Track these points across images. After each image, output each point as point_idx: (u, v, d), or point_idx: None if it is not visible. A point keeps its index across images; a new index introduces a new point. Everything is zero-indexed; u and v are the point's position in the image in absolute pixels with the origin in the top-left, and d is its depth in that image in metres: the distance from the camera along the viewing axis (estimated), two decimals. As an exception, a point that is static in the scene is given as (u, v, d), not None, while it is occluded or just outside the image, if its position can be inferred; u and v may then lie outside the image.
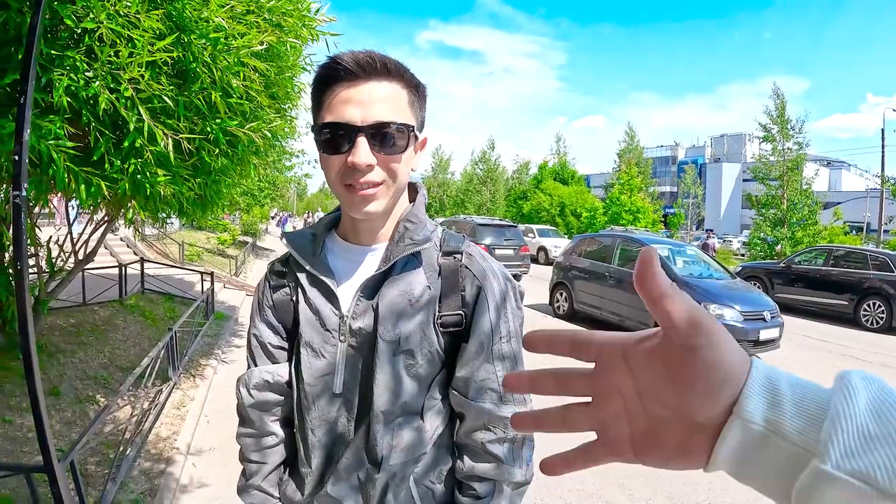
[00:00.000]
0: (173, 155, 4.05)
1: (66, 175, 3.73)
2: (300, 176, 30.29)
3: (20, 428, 5.42)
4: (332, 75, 1.33)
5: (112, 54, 3.72)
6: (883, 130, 35.68)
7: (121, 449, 4.89)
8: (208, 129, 4.43)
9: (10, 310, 6.02)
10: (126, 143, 3.94)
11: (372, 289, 1.47)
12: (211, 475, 5.18)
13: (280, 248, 32.84)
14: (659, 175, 73.07)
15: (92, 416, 5.88)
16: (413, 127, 1.37)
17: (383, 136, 1.32)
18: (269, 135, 5.25)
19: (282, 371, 1.60)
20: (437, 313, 1.46)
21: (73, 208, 8.67)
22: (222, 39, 4.14)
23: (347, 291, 1.50)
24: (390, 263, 1.44)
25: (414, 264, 1.47)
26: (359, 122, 1.30)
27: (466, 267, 1.48)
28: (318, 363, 1.50)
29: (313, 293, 1.51)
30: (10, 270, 6.00)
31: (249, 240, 30.48)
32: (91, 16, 3.64)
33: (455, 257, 1.49)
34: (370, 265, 1.50)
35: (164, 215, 6.01)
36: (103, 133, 3.88)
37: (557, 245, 27.63)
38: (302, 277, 1.54)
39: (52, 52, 3.63)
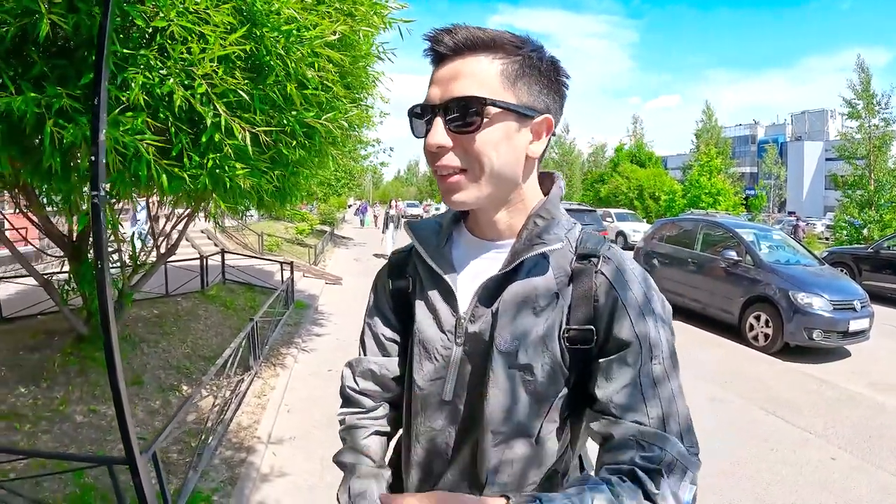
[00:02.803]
0: (251, 148, 4.08)
1: (147, 169, 3.79)
2: (376, 164, 30.52)
3: (104, 417, 5.61)
4: (431, 58, 1.26)
5: (184, 51, 3.77)
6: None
7: (202, 438, 4.99)
8: (285, 121, 4.47)
9: (96, 303, 6.21)
10: (204, 139, 3.99)
11: (492, 290, 1.32)
12: (291, 464, 5.22)
13: (357, 236, 33.15)
14: (738, 155, 70.65)
15: (174, 405, 6.06)
16: (491, 101, 1.17)
17: (456, 114, 1.19)
18: (345, 125, 5.26)
19: (390, 365, 1.55)
20: (564, 325, 1.27)
21: (142, 206, 8.94)
22: (294, 31, 4.15)
23: (468, 290, 1.36)
24: (514, 264, 1.28)
25: (542, 267, 1.30)
26: (436, 101, 1.22)
27: (602, 273, 1.27)
28: (430, 365, 1.40)
29: (432, 289, 1.41)
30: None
31: (327, 229, 30.72)
32: (161, 14, 3.68)
33: (591, 261, 1.29)
34: (495, 263, 1.34)
35: (244, 207, 6.09)
36: (181, 129, 3.94)
37: (636, 229, 27.26)
38: (422, 270, 1.45)
39: (126, 51, 3.69)
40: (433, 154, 1.23)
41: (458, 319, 1.35)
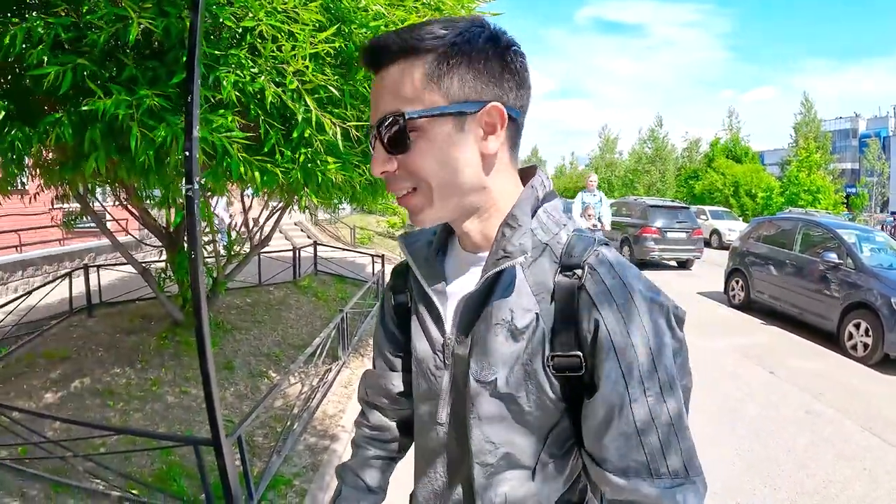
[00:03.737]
0: (342, 143, 4.15)
1: (239, 165, 3.92)
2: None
3: (195, 398, 5.88)
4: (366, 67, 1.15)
5: (275, 49, 3.88)
6: None
7: (287, 423, 5.13)
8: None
9: (190, 290, 6.47)
10: (295, 134, 4.09)
11: (471, 310, 1.19)
12: (374, 456, 5.30)
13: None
14: (838, 150, 66.59)
15: (263, 391, 6.27)
16: (410, 115, 1.05)
17: (387, 135, 1.08)
18: None
19: (396, 380, 1.49)
20: (547, 351, 1.11)
21: (216, 200, 9.17)
22: (382, 27, 4.22)
23: (453, 309, 1.24)
24: (482, 283, 1.14)
25: (516, 284, 1.14)
26: (372, 123, 1.12)
27: (585, 290, 1.08)
28: (425, 385, 1.31)
29: (423, 306, 1.31)
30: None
31: (419, 223, 30.70)
32: (250, 15, 3.81)
33: (575, 274, 1.10)
34: (475, 278, 1.19)
35: (337, 201, 6.21)
36: (272, 125, 4.05)
37: (731, 228, 26.15)
38: (415, 286, 1.34)
39: (216, 51, 3.84)
40: (383, 178, 1.15)
41: (445, 340, 1.24)
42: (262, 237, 7.87)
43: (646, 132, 59.06)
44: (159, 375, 6.20)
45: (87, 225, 10.94)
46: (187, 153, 2.94)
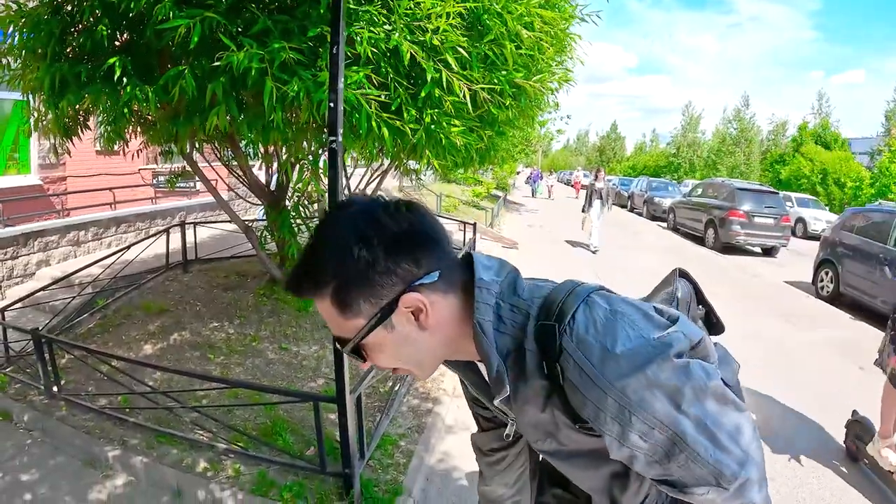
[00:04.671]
0: (470, 105, 4.11)
1: (371, 119, 3.89)
2: (553, 131, 29.78)
3: (295, 356, 5.91)
4: None
5: (412, 6, 3.83)
6: None
7: (391, 386, 5.17)
8: (495, 80, 4.47)
9: (291, 249, 6.51)
10: (423, 93, 4.06)
11: (508, 407, 1.30)
12: (474, 421, 5.24)
13: (528, 203, 32.76)
14: None
15: None
16: (352, 341, 1.16)
17: (347, 350, 1.20)
18: (553, 86, 5.24)
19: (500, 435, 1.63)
20: (569, 419, 1.19)
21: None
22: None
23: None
24: (497, 400, 1.24)
25: (521, 394, 1.21)
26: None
27: (568, 389, 1.13)
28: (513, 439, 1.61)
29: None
30: (294, 214, 6.51)
31: (500, 194, 30.43)
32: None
33: (555, 369, 1.13)
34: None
35: (454, 164, 6.14)
36: (401, 83, 4.01)
37: (818, 217, 25.08)
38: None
39: (350, 5, 3.81)
40: None
41: (509, 422, 1.45)
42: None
43: (731, 112, 57.96)
44: (258, 331, 6.26)
45: (182, 185, 11.19)
46: (332, 104, 2.92)
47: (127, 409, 4.64)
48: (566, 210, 29.25)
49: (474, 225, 12.62)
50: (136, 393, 4.70)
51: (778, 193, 19.99)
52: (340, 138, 2.98)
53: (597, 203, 15.99)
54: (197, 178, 7.14)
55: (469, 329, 1.19)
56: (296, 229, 6.73)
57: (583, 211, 16.46)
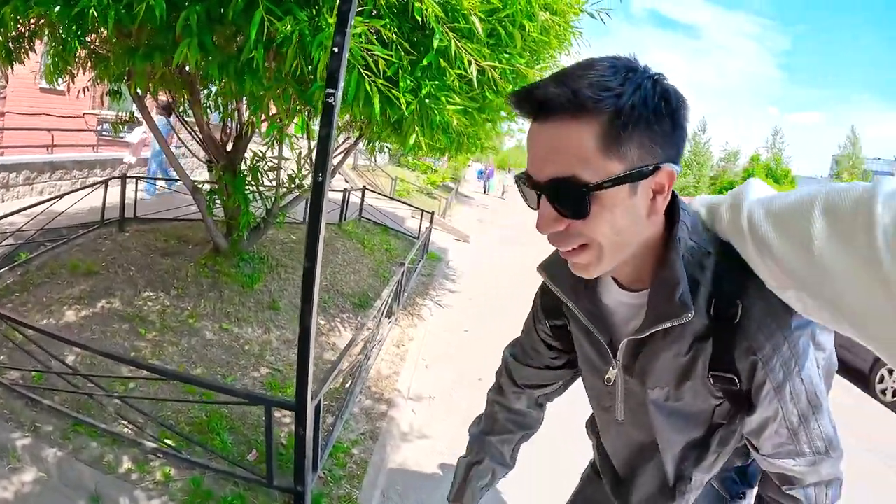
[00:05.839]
0: (476, 82, 3.68)
1: (364, 83, 3.38)
2: (515, 128, 29.88)
3: (237, 338, 5.37)
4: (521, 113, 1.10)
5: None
6: None
7: (343, 383, 4.76)
8: (498, 60, 4.02)
9: (244, 218, 5.94)
10: (425, 61, 3.61)
11: (636, 346, 1.32)
12: (431, 427, 4.94)
13: (478, 198, 33.09)
14: None
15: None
16: (596, 185, 1.01)
17: (561, 198, 1.05)
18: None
19: (548, 376, 1.70)
20: (707, 369, 1.25)
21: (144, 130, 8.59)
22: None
23: (617, 339, 1.36)
24: (647, 333, 1.24)
25: (680, 326, 1.21)
26: (537, 178, 1.08)
27: (742, 329, 1.17)
28: (599, 388, 1.51)
29: (582, 336, 1.46)
30: (250, 178, 5.95)
31: (452, 185, 30.54)
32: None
33: (729, 312, 1.18)
34: (634, 311, 1.31)
35: (441, 146, 5.72)
36: (402, 46, 3.54)
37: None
38: (572, 317, 1.46)
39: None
40: (547, 234, 1.12)
41: (611, 366, 1.41)
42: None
43: (689, 134, 60.85)
44: (197, 307, 5.65)
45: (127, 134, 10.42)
46: (336, 49, 2.37)
47: (42, 389, 3.95)
48: (516, 209, 29.25)
49: (432, 215, 12.40)
50: (53, 372, 3.99)
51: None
52: (340, 92, 2.45)
53: None
54: (146, 127, 6.46)
55: (650, 251, 1.19)
56: (250, 197, 6.14)
57: None
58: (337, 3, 2.68)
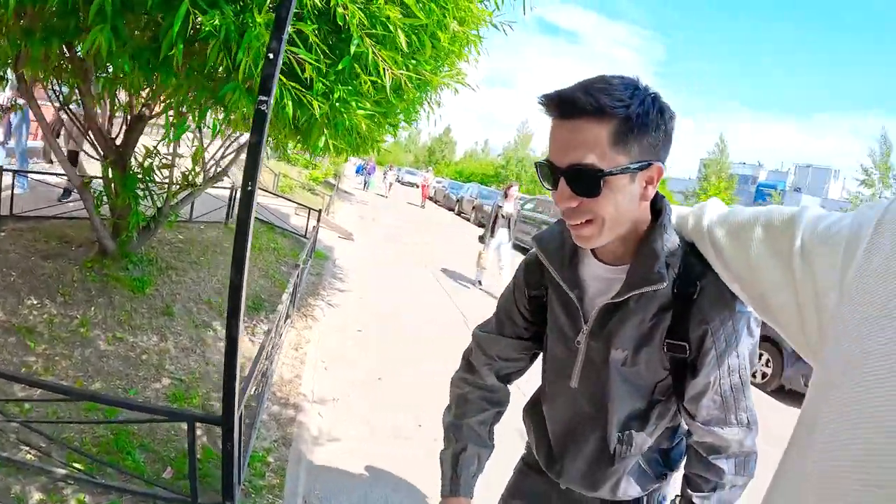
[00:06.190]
0: (390, 91, 3.72)
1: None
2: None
3: (133, 348, 5.10)
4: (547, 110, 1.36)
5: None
6: None
7: (250, 389, 4.53)
8: (405, 67, 4.02)
9: (135, 218, 5.71)
10: (340, 66, 3.57)
11: (609, 312, 1.55)
12: (339, 428, 4.89)
13: (358, 194, 32.85)
14: (737, 194, 71.27)
15: (210, 345, 5.72)
16: (608, 171, 1.31)
17: (578, 180, 1.33)
18: (454, 85, 4.96)
19: (518, 348, 1.85)
20: (665, 338, 1.51)
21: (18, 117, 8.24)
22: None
23: (590, 307, 1.60)
24: (625, 297, 1.49)
25: (650, 296, 1.49)
26: (558, 164, 1.35)
27: (697, 305, 1.47)
28: (561, 355, 1.72)
29: (558, 304, 1.68)
30: (140, 177, 5.72)
31: (333, 182, 30.46)
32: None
33: (691, 289, 1.47)
34: (612, 284, 1.55)
35: (347, 148, 5.63)
36: (321, 49, 3.46)
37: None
38: (552, 284, 1.69)
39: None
40: (562, 209, 1.40)
41: (581, 331, 1.63)
42: (217, 171, 7.04)
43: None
44: (87, 314, 5.31)
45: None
46: (270, 55, 2.33)
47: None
48: (398, 205, 29.18)
49: (319, 213, 12.36)
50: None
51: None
52: (272, 100, 2.40)
53: (502, 233, 12.06)
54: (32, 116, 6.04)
55: (635, 233, 1.48)
56: (141, 195, 5.90)
57: (480, 241, 12.24)
58: (266, 3, 2.63)
